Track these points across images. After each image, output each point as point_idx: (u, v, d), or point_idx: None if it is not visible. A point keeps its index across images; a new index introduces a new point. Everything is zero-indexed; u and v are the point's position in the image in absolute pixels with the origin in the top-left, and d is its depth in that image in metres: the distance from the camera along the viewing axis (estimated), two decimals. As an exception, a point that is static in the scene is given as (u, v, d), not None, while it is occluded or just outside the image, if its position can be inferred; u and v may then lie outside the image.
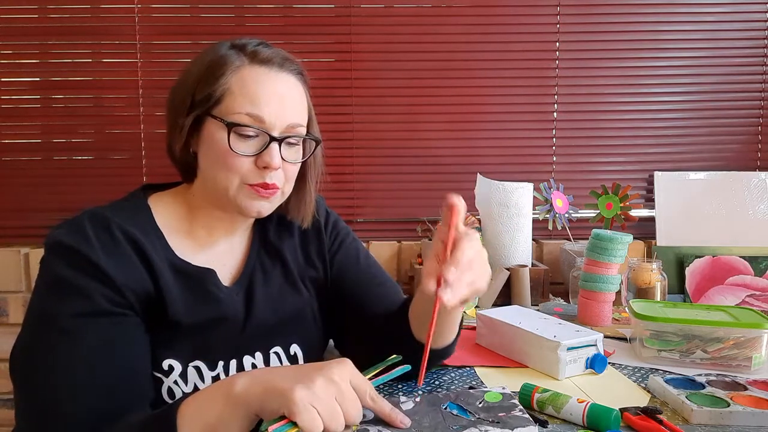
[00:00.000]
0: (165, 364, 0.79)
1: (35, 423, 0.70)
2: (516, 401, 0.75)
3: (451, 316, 0.83)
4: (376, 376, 0.75)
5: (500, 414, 0.71)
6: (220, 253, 0.89)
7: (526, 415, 0.71)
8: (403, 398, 0.77)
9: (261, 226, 0.94)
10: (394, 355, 0.79)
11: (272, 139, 0.81)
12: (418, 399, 0.76)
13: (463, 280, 0.71)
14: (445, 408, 0.74)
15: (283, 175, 0.84)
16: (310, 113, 0.89)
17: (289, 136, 0.83)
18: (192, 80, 0.82)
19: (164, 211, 0.85)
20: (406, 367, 0.76)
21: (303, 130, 0.86)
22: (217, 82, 0.80)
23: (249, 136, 0.80)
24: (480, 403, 0.75)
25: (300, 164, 0.88)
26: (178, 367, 0.80)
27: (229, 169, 0.80)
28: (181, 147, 0.83)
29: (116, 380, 0.72)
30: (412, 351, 0.82)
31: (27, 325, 0.74)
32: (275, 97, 0.81)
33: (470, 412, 0.72)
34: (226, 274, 0.88)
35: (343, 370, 0.63)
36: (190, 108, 0.81)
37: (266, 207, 0.84)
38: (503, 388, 0.79)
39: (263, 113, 0.80)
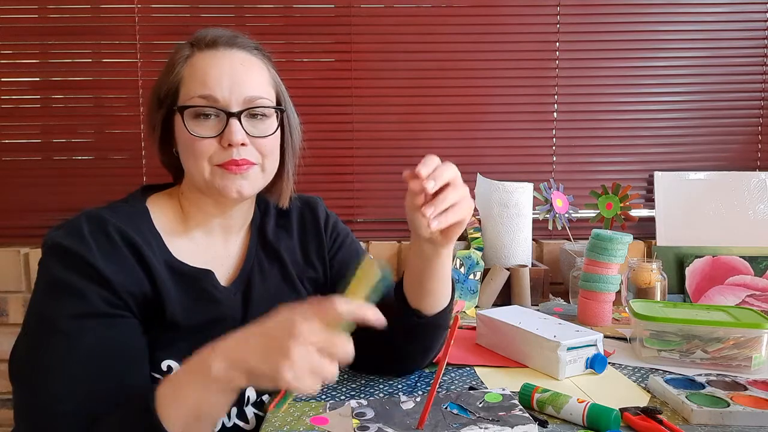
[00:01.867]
0: (164, 364, 0.79)
1: (33, 423, 0.70)
2: (516, 401, 0.75)
3: (440, 266, 0.83)
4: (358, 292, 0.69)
5: (500, 413, 0.72)
6: (218, 253, 0.89)
7: (526, 414, 0.71)
8: (403, 398, 0.77)
9: (259, 225, 0.94)
10: (369, 260, 0.73)
11: (229, 115, 0.80)
12: (418, 399, 0.76)
13: (447, 199, 0.73)
14: (446, 407, 0.74)
15: (256, 152, 0.83)
16: (278, 88, 0.88)
17: (247, 109, 0.82)
18: (156, 82, 0.85)
19: (161, 213, 0.85)
20: (386, 277, 0.70)
21: (266, 102, 0.84)
22: (171, 75, 0.82)
23: (207, 116, 0.81)
24: (480, 403, 0.75)
25: (276, 138, 0.86)
26: (176, 368, 0.80)
27: (196, 155, 0.81)
28: (159, 147, 0.86)
29: (113, 381, 0.72)
30: (411, 323, 0.86)
31: (25, 326, 0.74)
32: (225, 73, 0.81)
33: (470, 412, 0.72)
34: (223, 274, 0.88)
35: (308, 321, 0.61)
36: (158, 107, 0.84)
37: (245, 185, 0.83)
38: (503, 390, 0.79)
39: (215, 92, 0.80)
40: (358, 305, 0.63)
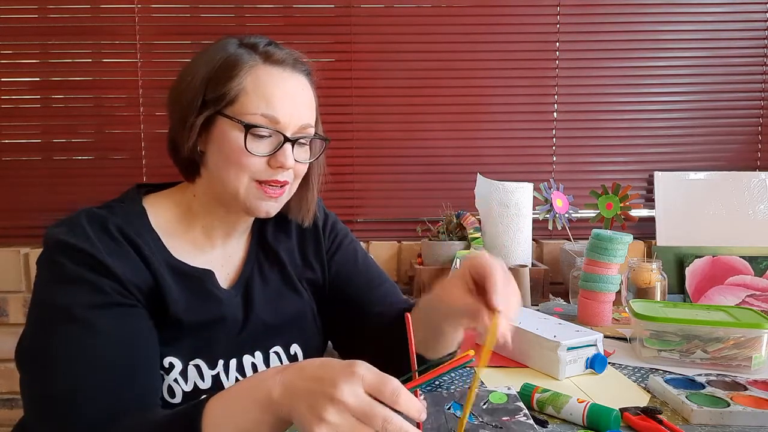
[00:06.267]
0: (165, 361, 0.79)
1: (51, 412, 0.69)
2: (521, 404, 0.75)
3: (456, 336, 0.83)
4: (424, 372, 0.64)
5: (504, 418, 0.71)
6: (218, 255, 0.89)
7: (530, 421, 0.71)
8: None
9: (258, 228, 0.94)
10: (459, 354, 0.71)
11: (286, 139, 0.81)
12: (421, 398, 0.76)
13: (512, 306, 0.70)
14: (449, 408, 0.74)
15: (293, 174, 0.85)
16: (317, 113, 0.89)
17: (301, 137, 0.83)
18: (201, 79, 0.81)
19: (159, 213, 0.85)
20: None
21: (313, 131, 0.87)
22: (231, 81, 0.80)
23: (263, 137, 0.81)
24: (484, 404, 0.75)
25: (308, 164, 0.88)
26: (178, 365, 0.80)
27: (240, 167, 0.80)
28: (190, 146, 0.82)
29: (130, 369, 0.72)
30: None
31: (36, 318, 0.74)
32: (289, 97, 0.82)
33: (474, 414, 0.72)
34: (223, 277, 0.88)
35: (353, 384, 0.55)
36: (202, 107, 0.81)
37: (274, 207, 0.85)
38: (509, 389, 0.78)
39: (278, 114, 0.80)
40: (415, 406, 0.56)
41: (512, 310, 0.69)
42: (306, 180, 0.91)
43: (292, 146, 0.82)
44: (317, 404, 0.55)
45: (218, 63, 0.81)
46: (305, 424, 0.55)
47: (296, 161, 0.84)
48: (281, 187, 0.83)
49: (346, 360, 0.58)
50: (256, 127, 0.79)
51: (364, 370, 0.56)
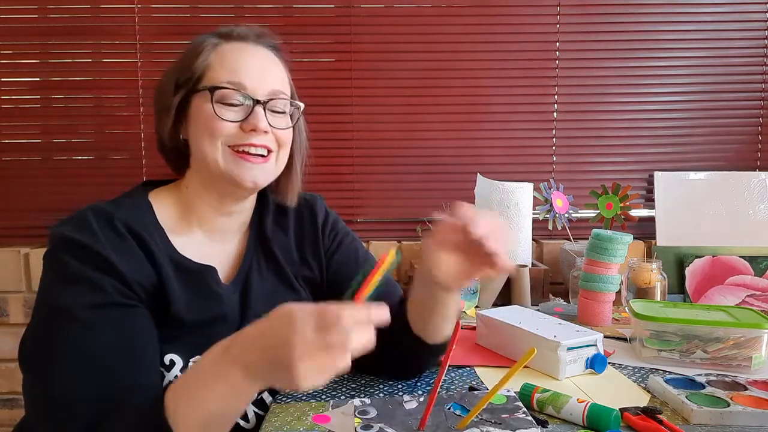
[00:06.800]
0: (166, 358, 0.80)
1: (50, 411, 0.70)
2: (520, 404, 0.75)
3: (449, 307, 0.83)
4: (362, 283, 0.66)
5: (503, 416, 0.72)
6: (217, 251, 0.89)
7: (529, 418, 0.71)
8: (406, 397, 0.77)
9: (258, 224, 0.94)
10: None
11: (256, 102, 0.83)
12: (421, 399, 0.76)
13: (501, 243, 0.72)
14: (449, 408, 0.74)
15: (275, 140, 0.85)
16: (291, 88, 0.91)
17: (272, 100, 0.85)
18: (173, 69, 0.87)
19: (163, 208, 0.86)
20: (395, 260, 0.67)
21: (286, 99, 0.88)
22: (196, 61, 0.84)
23: (233, 105, 0.82)
24: (483, 403, 0.75)
25: (291, 133, 0.89)
26: (179, 362, 0.80)
27: (212, 134, 0.82)
28: (171, 130, 0.85)
29: (135, 368, 0.72)
30: (411, 345, 0.84)
31: (39, 318, 0.74)
32: (255, 66, 0.85)
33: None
34: (222, 272, 0.89)
35: (302, 335, 0.57)
36: (175, 91, 0.84)
37: (260, 176, 0.85)
38: (507, 391, 0.79)
39: (244, 80, 0.83)
40: (363, 313, 0.58)
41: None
42: (289, 160, 0.92)
43: (264, 110, 0.83)
44: (288, 373, 0.56)
45: (185, 52, 0.86)
46: (290, 388, 0.57)
47: (274, 127, 0.85)
48: (263, 156, 0.84)
49: (282, 311, 0.60)
50: (221, 88, 0.81)
51: (303, 315, 0.57)
